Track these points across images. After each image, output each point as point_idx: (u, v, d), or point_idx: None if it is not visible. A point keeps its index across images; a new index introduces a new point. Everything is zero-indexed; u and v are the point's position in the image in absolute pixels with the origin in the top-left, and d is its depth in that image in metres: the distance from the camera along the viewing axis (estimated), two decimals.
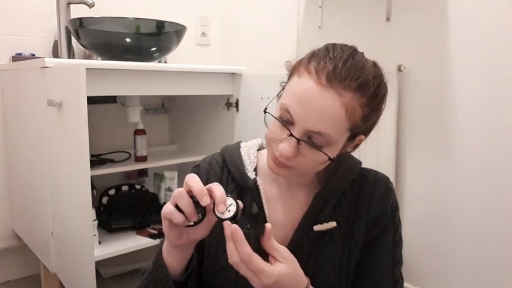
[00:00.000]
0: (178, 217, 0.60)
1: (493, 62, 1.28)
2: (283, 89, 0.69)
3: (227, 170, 0.79)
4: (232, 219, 0.59)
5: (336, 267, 0.74)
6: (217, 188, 0.60)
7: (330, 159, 0.66)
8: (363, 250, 0.76)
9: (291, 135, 0.64)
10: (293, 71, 0.67)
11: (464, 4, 1.33)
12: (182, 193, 0.60)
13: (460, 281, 1.41)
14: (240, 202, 0.61)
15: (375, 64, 0.68)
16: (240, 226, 0.59)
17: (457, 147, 1.38)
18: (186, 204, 0.60)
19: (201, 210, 0.60)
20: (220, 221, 0.59)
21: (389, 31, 1.51)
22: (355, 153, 0.79)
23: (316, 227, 0.72)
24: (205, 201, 0.59)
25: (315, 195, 0.74)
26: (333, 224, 0.72)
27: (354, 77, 0.62)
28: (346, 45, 0.69)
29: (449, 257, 1.43)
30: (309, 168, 0.69)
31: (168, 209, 0.61)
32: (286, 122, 0.65)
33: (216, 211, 0.59)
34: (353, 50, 0.67)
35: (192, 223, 0.61)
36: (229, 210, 0.59)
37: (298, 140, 0.64)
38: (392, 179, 0.79)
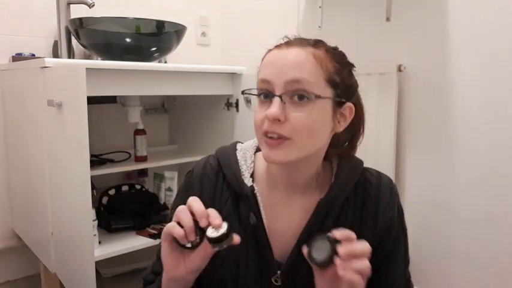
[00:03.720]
0: (178, 230, 0.61)
1: (493, 62, 1.28)
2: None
3: (222, 175, 0.75)
4: (220, 240, 0.60)
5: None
6: (213, 211, 0.63)
7: (319, 96, 0.65)
8: (375, 263, 0.75)
9: (273, 96, 0.65)
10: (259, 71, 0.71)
11: (464, 4, 1.33)
12: (184, 209, 0.63)
13: (460, 281, 1.41)
14: (235, 235, 0.63)
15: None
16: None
17: (457, 147, 1.38)
18: (188, 219, 0.61)
19: (200, 234, 0.62)
20: (208, 240, 0.61)
21: (389, 31, 1.51)
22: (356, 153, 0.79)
23: None
24: (204, 222, 0.61)
25: (318, 202, 0.70)
26: None
27: (307, 40, 0.70)
28: None
29: (449, 257, 1.43)
30: (305, 136, 0.65)
31: (169, 224, 0.62)
32: (266, 93, 0.67)
33: (207, 231, 0.61)
34: None
35: (189, 245, 0.63)
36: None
37: (281, 97, 0.64)
38: (392, 179, 0.79)
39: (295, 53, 0.66)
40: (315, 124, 0.65)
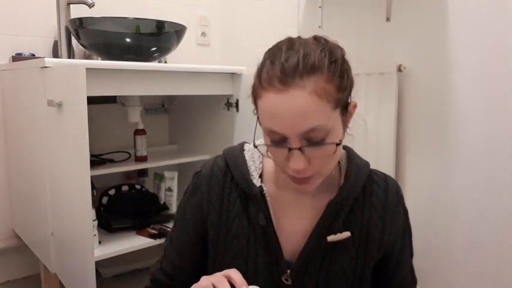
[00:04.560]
0: None
1: (494, 62, 1.28)
2: (258, 119, 0.68)
3: (230, 175, 0.75)
4: None
5: (349, 277, 0.72)
6: (236, 274, 0.62)
7: (339, 143, 0.64)
8: (384, 263, 0.76)
9: (291, 149, 0.62)
10: (254, 97, 0.67)
11: (464, 4, 1.33)
12: (224, 280, 0.61)
13: (460, 281, 1.41)
14: None
15: (315, 37, 0.66)
16: None
17: (457, 148, 1.38)
18: None
19: None
20: None
21: (389, 31, 1.51)
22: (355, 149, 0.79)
23: (330, 238, 0.70)
24: None
25: (329, 203, 0.71)
26: (347, 234, 0.70)
27: (303, 63, 0.61)
28: (281, 41, 0.68)
29: (449, 257, 1.43)
30: (328, 164, 0.67)
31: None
32: (279, 140, 0.63)
33: None
34: (288, 40, 0.66)
35: None
36: None
37: (300, 149, 0.62)
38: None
39: (299, 101, 0.59)
40: (333, 152, 0.64)
